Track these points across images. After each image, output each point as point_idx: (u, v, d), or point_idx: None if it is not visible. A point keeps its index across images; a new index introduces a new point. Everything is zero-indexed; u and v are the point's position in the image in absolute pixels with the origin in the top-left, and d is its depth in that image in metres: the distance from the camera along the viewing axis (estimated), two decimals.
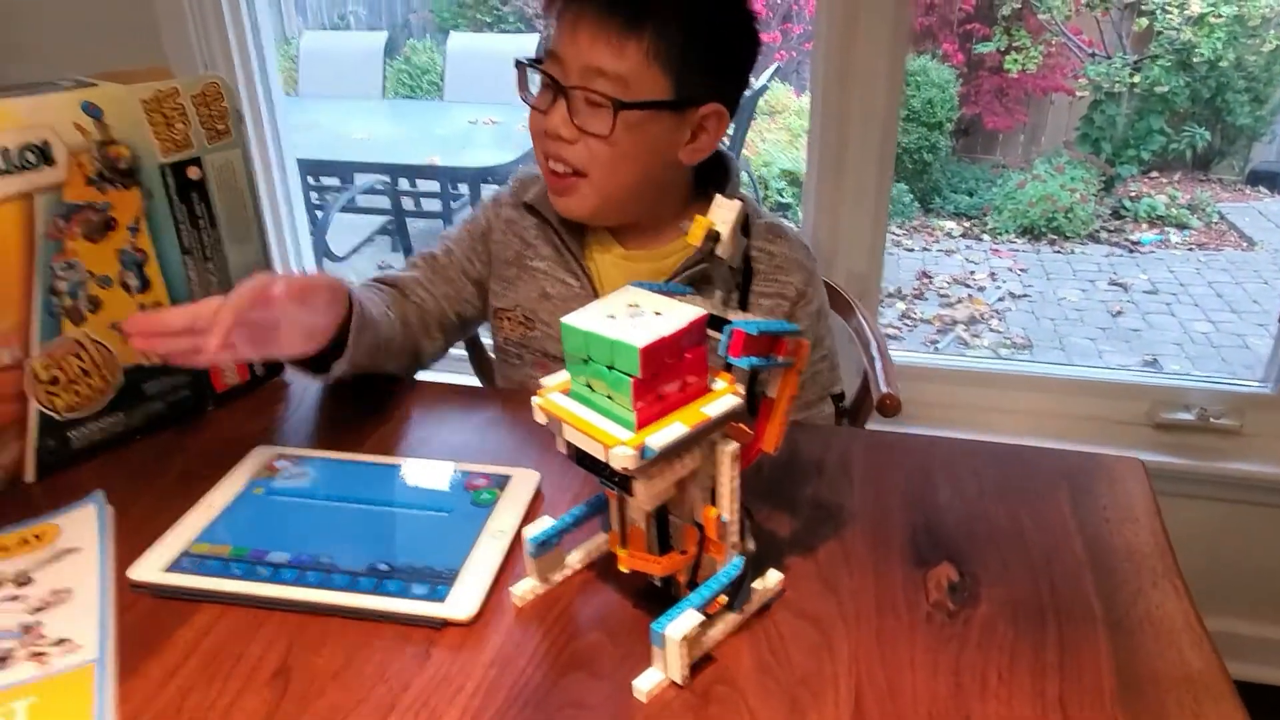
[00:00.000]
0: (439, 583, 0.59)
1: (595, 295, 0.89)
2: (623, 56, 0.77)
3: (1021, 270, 3.75)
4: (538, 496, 0.69)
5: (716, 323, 0.51)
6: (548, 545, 0.59)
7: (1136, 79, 4.07)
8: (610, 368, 0.48)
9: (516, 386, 0.95)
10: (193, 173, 0.75)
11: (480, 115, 3.66)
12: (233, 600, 0.59)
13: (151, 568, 0.61)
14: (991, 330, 3.31)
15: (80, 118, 0.68)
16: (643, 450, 0.47)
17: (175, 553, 0.62)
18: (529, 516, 0.66)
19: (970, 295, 3.55)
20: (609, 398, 0.49)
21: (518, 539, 0.63)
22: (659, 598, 0.58)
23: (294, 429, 0.80)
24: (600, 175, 0.82)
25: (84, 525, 0.66)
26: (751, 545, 0.56)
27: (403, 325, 0.88)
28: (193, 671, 0.54)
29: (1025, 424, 1.45)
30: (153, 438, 0.78)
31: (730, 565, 0.54)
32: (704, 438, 0.50)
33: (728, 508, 0.53)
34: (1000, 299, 3.53)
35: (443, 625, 0.57)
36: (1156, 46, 4.04)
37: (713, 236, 0.52)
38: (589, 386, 0.50)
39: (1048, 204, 4.01)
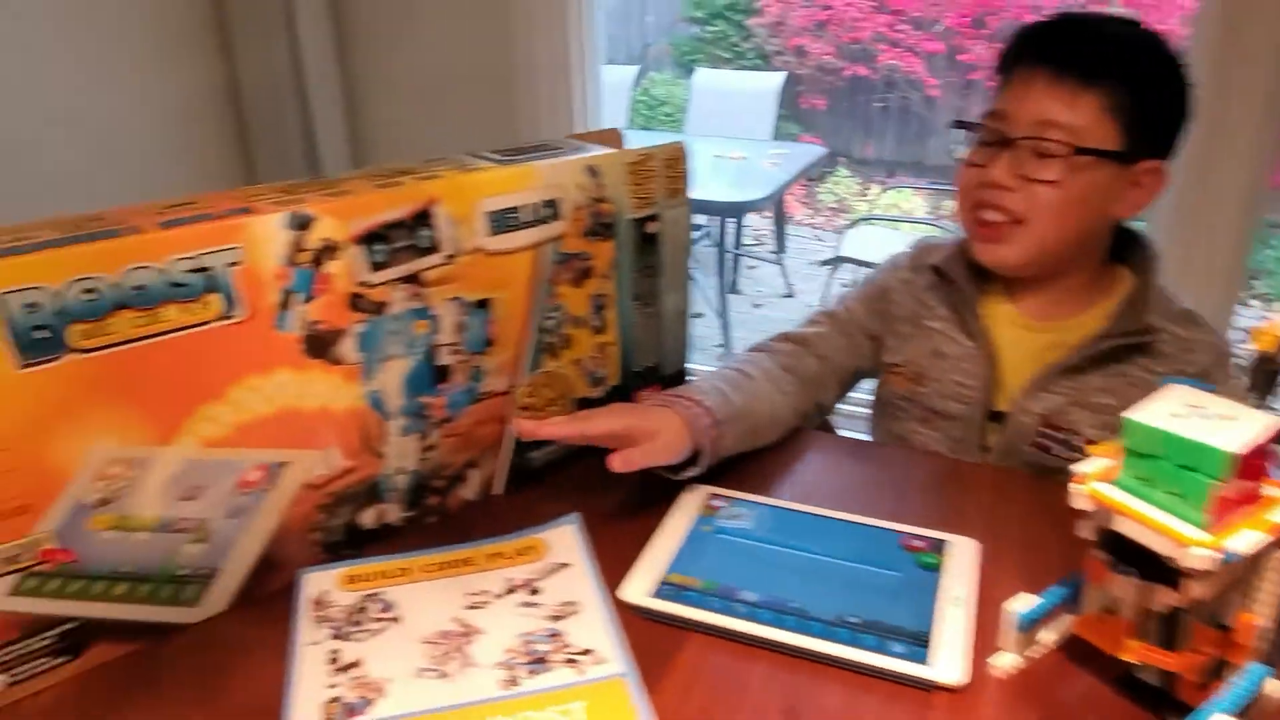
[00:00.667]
0: (914, 643, 0.62)
1: (991, 359, 0.91)
2: (1076, 109, 0.81)
3: None
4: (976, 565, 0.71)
5: None
6: (1034, 622, 0.61)
7: None
8: (1184, 468, 0.49)
9: (894, 439, 0.99)
10: (651, 227, 0.83)
11: (725, 150, 3.75)
12: (719, 633, 0.64)
13: (639, 592, 0.67)
14: None
15: (582, 179, 0.76)
16: (1225, 554, 0.48)
17: (655, 580, 0.69)
18: (978, 587, 0.68)
19: None
20: (1175, 496, 0.50)
21: (976, 610, 0.65)
22: (1145, 691, 0.58)
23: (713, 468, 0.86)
24: (1040, 221, 0.85)
25: (567, 542, 0.73)
26: (1272, 653, 0.56)
27: (800, 383, 0.92)
28: (705, 692, 0.60)
29: None
30: (588, 463, 0.86)
31: (1252, 673, 0.54)
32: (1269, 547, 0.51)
33: (1267, 615, 0.52)
34: None
35: (932, 688, 0.60)
36: None
37: None
38: (1143, 480, 0.51)
39: None
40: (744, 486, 0.80)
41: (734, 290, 3.93)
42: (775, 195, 3.55)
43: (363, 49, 2.04)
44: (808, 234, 4.70)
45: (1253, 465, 0.49)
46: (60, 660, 0.62)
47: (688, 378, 0.92)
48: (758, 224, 4.58)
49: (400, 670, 0.61)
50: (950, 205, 4.50)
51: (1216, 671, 0.55)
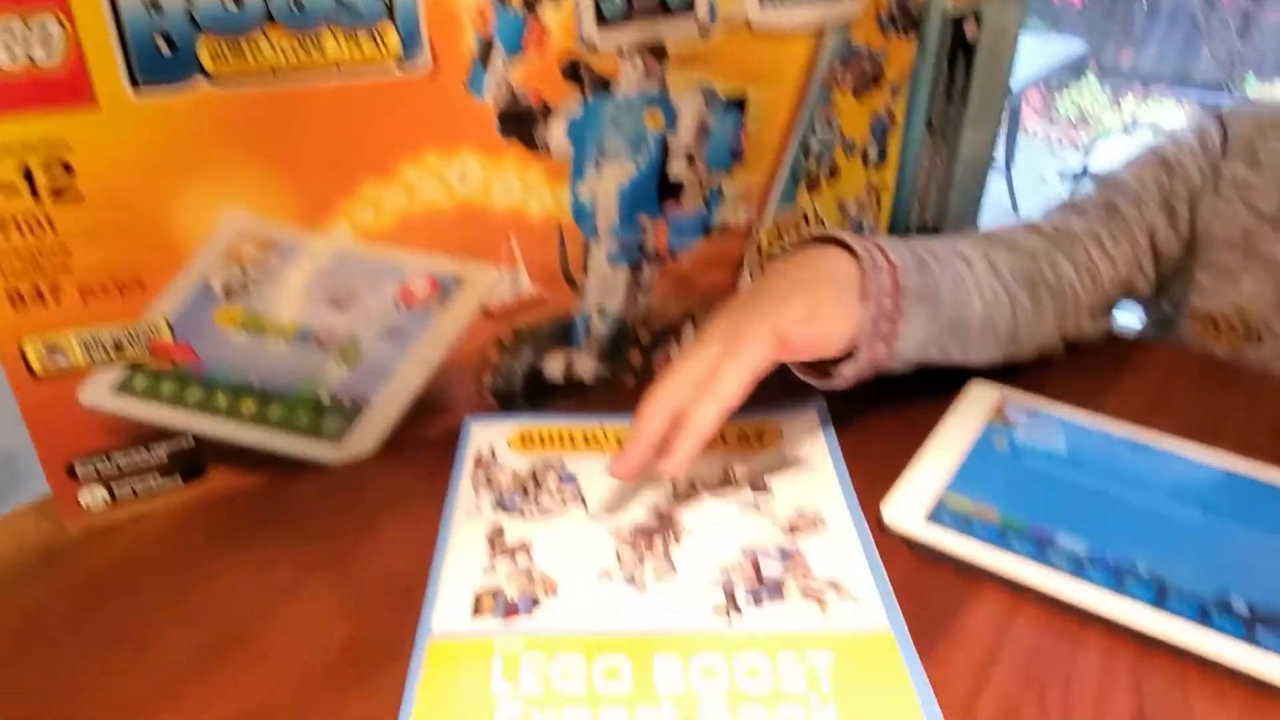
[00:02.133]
0: None
1: None
2: None
3: None
4: None
5: None
6: None
7: None
8: None
9: None
10: (970, 30, 0.60)
11: None
12: (1029, 592, 0.45)
13: (911, 515, 0.48)
14: None
15: None
16: None
17: (930, 501, 0.49)
18: None
19: None
20: None
21: None
22: None
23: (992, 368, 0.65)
24: None
25: (808, 434, 0.55)
26: None
27: (1051, 296, 0.60)
28: (1012, 677, 0.41)
29: None
30: None
31: None
32: None
33: None
34: None
35: None
36: None
37: None
38: None
39: None
40: (1049, 393, 0.59)
41: None
42: (1013, 96, 3.12)
43: None
44: (1041, 146, 4.19)
45: None
46: (169, 482, 0.50)
47: None
48: None
49: (579, 567, 0.45)
50: None
51: None
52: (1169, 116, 4.04)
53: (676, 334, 0.61)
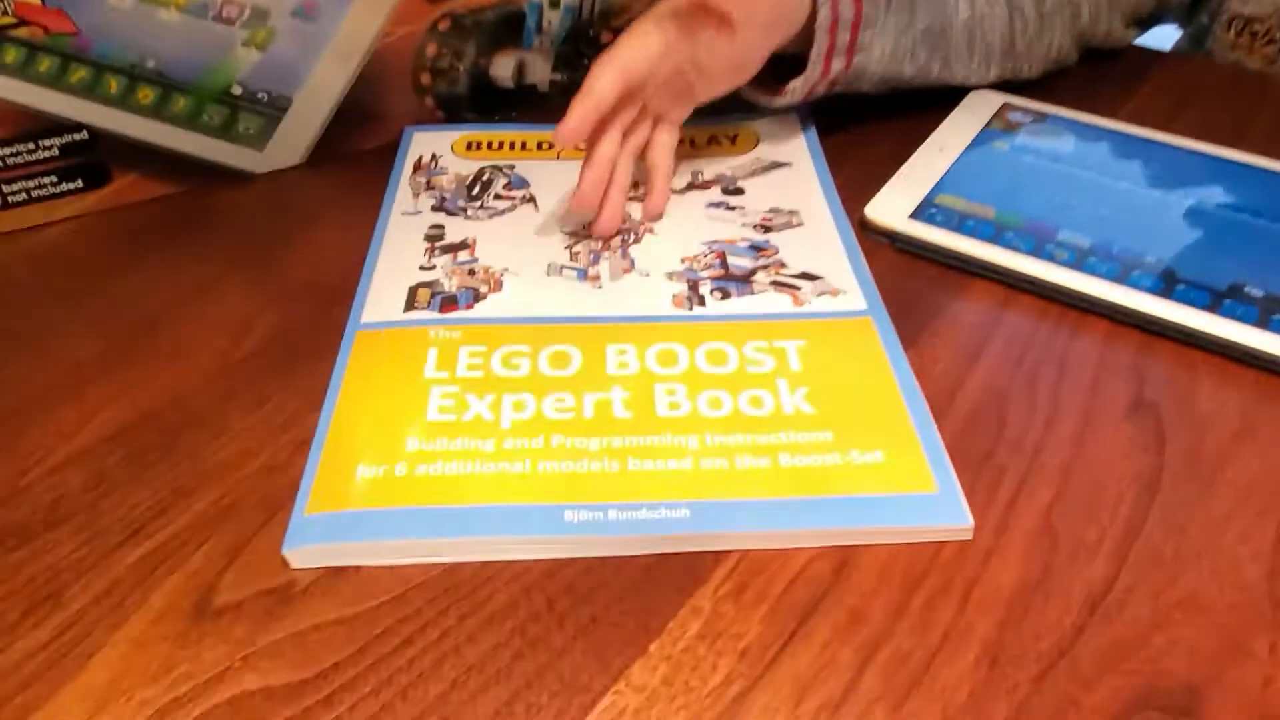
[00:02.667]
0: None
1: None
2: None
3: None
4: None
5: None
6: None
7: None
8: None
9: None
10: None
11: None
12: (1022, 284, 0.40)
13: (895, 211, 0.43)
14: None
15: None
16: None
17: (917, 198, 0.44)
18: None
19: None
20: None
21: None
22: None
23: None
24: None
25: (788, 136, 0.49)
26: None
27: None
28: (999, 363, 0.37)
29: None
30: None
31: None
32: None
33: None
34: None
35: None
36: None
37: None
38: None
39: None
40: (1058, 101, 0.53)
41: None
42: None
43: None
44: None
45: None
46: (70, 186, 0.44)
47: None
48: None
49: (526, 263, 0.41)
50: None
51: None
52: None
53: None
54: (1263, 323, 0.37)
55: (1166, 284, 0.39)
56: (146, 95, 0.43)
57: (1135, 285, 0.39)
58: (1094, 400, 0.35)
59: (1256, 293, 0.39)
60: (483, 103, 0.51)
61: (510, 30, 0.50)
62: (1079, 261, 0.41)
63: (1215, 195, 0.45)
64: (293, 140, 0.47)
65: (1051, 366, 0.37)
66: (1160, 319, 0.38)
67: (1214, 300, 0.38)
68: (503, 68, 0.51)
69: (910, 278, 0.41)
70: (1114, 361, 0.37)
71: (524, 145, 0.49)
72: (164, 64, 0.43)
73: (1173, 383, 0.36)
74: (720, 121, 0.50)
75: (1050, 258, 0.41)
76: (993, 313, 0.40)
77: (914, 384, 0.35)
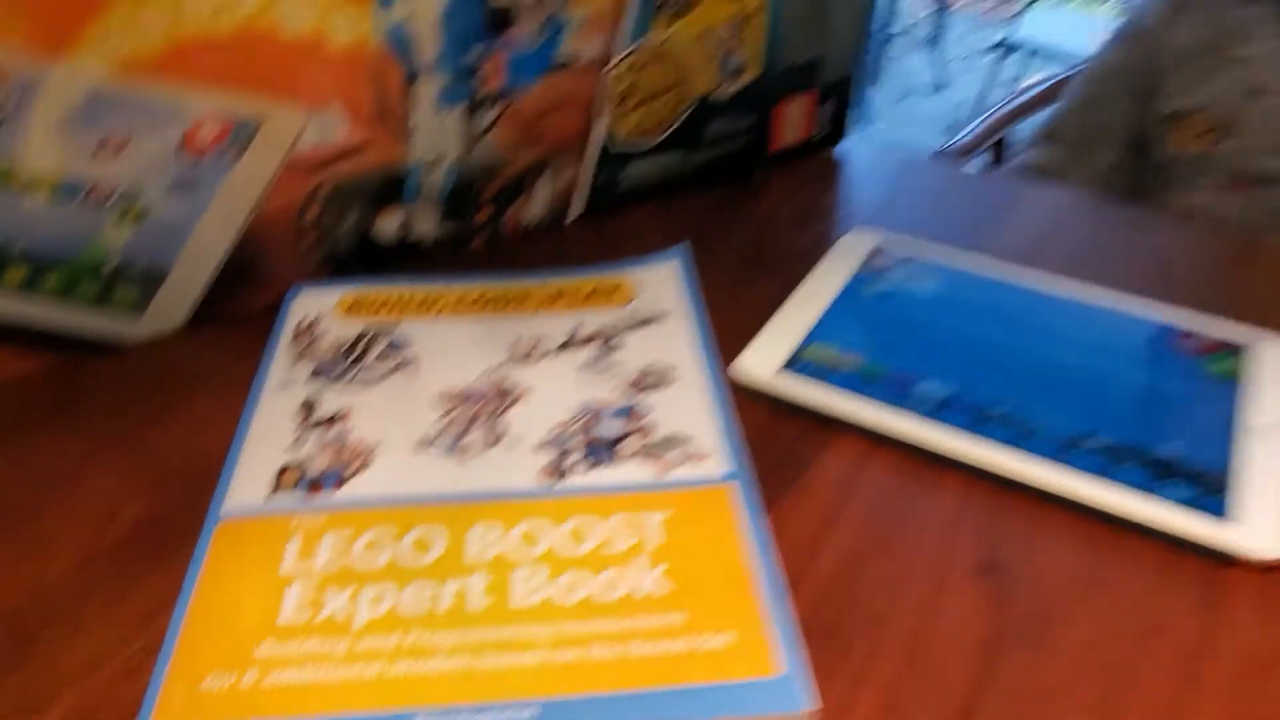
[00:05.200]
0: (1203, 488, 0.38)
1: None
2: None
3: None
4: None
5: None
6: None
7: None
8: None
9: (1187, 216, 0.72)
10: None
11: None
12: (886, 439, 0.42)
13: (765, 366, 0.45)
14: None
15: None
16: None
17: (787, 351, 0.46)
18: None
19: None
20: None
21: None
22: None
23: (874, 215, 0.61)
24: None
25: (666, 288, 0.50)
26: None
27: None
28: (858, 525, 0.38)
29: None
30: (698, 193, 0.62)
31: None
32: None
33: None
34: None
35: (1230, 560, 0.36)
36: None
37: None
38: None
39: None
40: (932, 237, 0.55)
41: (873, 82, 3.48)
42: None
43: None
44: (966, 21, 4.11)
45: None
46: None
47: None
48: (910, 7, 4.01)
49: (397, 437, 0.41)
50: None
51: None
52: None
53: (528, 187, 0.55)
54: (1107, 473, 0.39)
55: (1017, 435, 0.41)
56: (15, 275, 0.43)
57: (989, 436, 0.41)
58: (944, 561, 0.36)
59: (1102, 442, 0.41)
60: (367, 260, 0.52)
61: (393, 189, 0.51)
62: (936, 413, 0.42)
63: (1070, 340, 0.47)
64: (171, 305, 0.48)
65: (906, 525, 0.38)
66: (1010, 471, 0.40)
67: (1061, 451, 0.40)
68: (386, 225, 0.52)
69: (779, 434, 0.42)
70: (967, 517, 0.38)
71: (408, 303, 0.49)
72: (33, 244, 0.43)
73: (1021, 539, 0.37)
74: (600, 272, 0.51)
75: (910, 409, 0.42)
76: (855, 468, 0.41)
77: (771, 554, 0.35)
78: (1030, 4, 3.12)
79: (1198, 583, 0.36)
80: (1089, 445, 0.40)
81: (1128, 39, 0.75)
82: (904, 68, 3.64)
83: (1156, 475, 0.39)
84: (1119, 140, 0.75)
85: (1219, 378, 0.45)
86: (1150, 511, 0.37)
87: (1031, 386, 0.44)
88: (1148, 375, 0.45)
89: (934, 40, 3.57)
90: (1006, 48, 2.76)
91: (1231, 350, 0.46)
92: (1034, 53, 2.67)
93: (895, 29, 3.74)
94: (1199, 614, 0.35)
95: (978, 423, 0.41)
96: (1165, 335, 0.47)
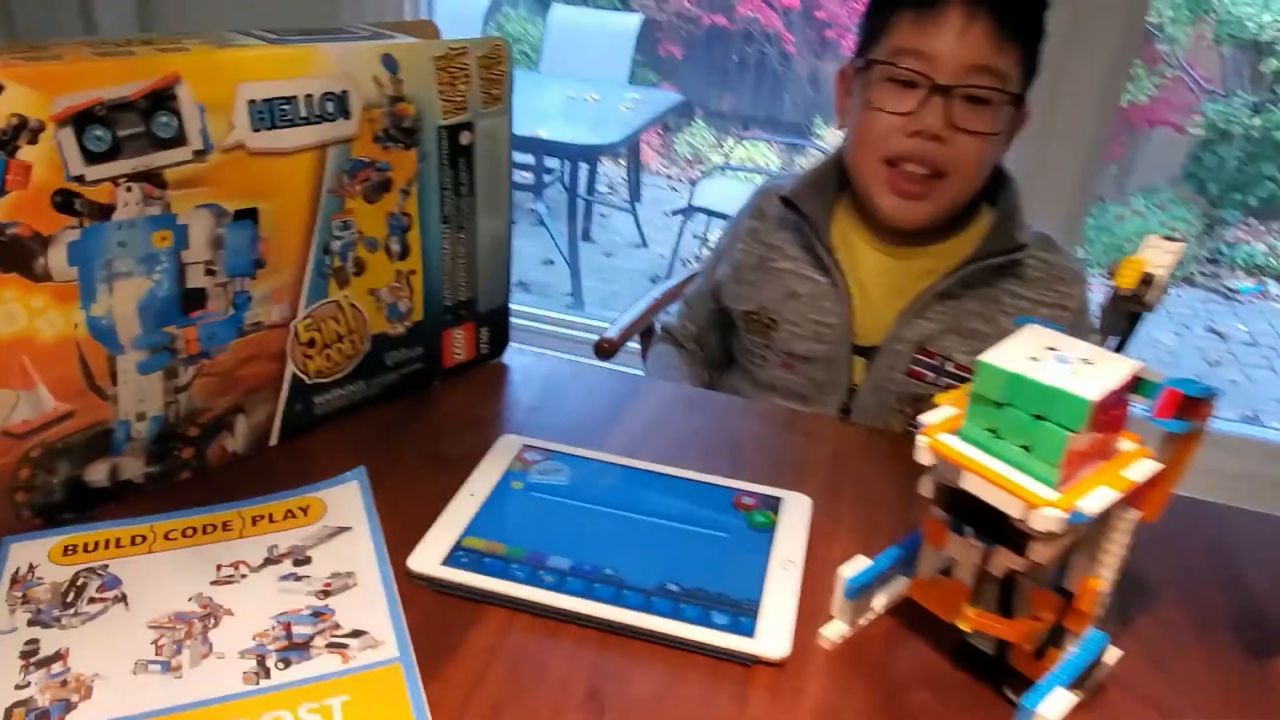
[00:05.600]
0: (741, 614, 0.55)
1: (848, 293, 0.87)
2: (1005, 54, 0.78)
3: None
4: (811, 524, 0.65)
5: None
6: (864, 589, 0.55)
7: (1257, 121, 3.93)
8: (1038, 417, 0.43)
9: (760, 389, 0.95)
10: (465, 137, 0.71)
11: (581, 91, 3.61)
12: (522, 606, 0.55)
13: (431, 560, 0.57)
14: None
15: (379, 70, 0.64)
16: (1074, 515, 0.42)
17: (448, 545, 0.59)
18: (809, 546, 0.62)
19: None
20: (1025, 449, 0.44)
21: (805, 572, 0.59)
22: (981, 661, 0.53)
23: (525, 418, 0.76)
24: (963, 174, 0.81)
25: (349, 502, 0.62)
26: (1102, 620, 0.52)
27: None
28: (499, 681, 0.51)
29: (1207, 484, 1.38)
30: (383, 409, 0.74)
31: (1091, 640, 0.50)
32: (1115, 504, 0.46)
33: (1110, 579, 0.48)
34: None
35: (753, 663, 0.53)
36: None
37: (1145, 280, 0.47)
38: (992, 432, 0.45)
39: None
40: (566, 438, 0.71)
41: (586, 238, 3.83)
42: (629, 140, 3.46)
43: None
44: (663, 184, 4.64)
45: (1110, 416, 0.44)
46: None
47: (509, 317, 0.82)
48: (612, 172, 4.48)
49: (115, 665, 0.49)
50: (803, 161, 4.54)
51: (1054, 639, 0.51)
52: (761, 157, 4.65)
53: (228, 426, 0.65)
54: (675, 613, 0.55)
55: (615, 592, 0.56)
56: None
57: (595, 597, 0.56)
58: (562, 696, 0.50)
59: (675, 588, 0.57)
60: (80, 504, 0.60)
61: (102, 443, 0.59)
62: (559, 583, 0.56)
63: (662, 509, 0.64)
64: None
65: (535, 673, 0.51)
66: (609, 620, 0.54)
67: (645, 600, 0.56)
68: (97, 472, 0.60)
69: (443, 614, 0.55)
70: (579, 660, 0.52)
71: (119, 542, 0.57)
72: None
73: (616, 670, 0.52)
74: (295, 494, 0.62)
75: (539, 583, 0.56)
76: (500, 635, 0.54)
77: (426, 716, 0.47)
78: (707, 174, 3.61)
79: (734, 680, 0.52)
80: (665, 592, 0.56)
81: (717, 253, 1.00)
82: (611, 225, 4.04)
83: (708, 609, 0.55)
84: (724, 326, 0.98)
85: (760, 527, 0.63)
86: (703, 637, 0.53)
87: (630, 550, 0.60)
88: (712, 531, 0.62)
89: (633, 202, 4.00)
90: (690, 210, 3.18)
91: (771, 504, 0.65)
92: (710, 215, 3.11)
93: (599, 193, 4.15)
94: (735, 702, 0.51)
95: (589, 586, 0.56)
96: (728, 498, 0.66)
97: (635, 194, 4.07)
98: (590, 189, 3.91)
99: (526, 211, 3.72)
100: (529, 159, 3.61)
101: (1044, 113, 1.22)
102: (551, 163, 3.63)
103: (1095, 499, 0.43)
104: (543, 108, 3.43)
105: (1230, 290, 3.86)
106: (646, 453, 0.71)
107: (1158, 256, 0.46)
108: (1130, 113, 4.22)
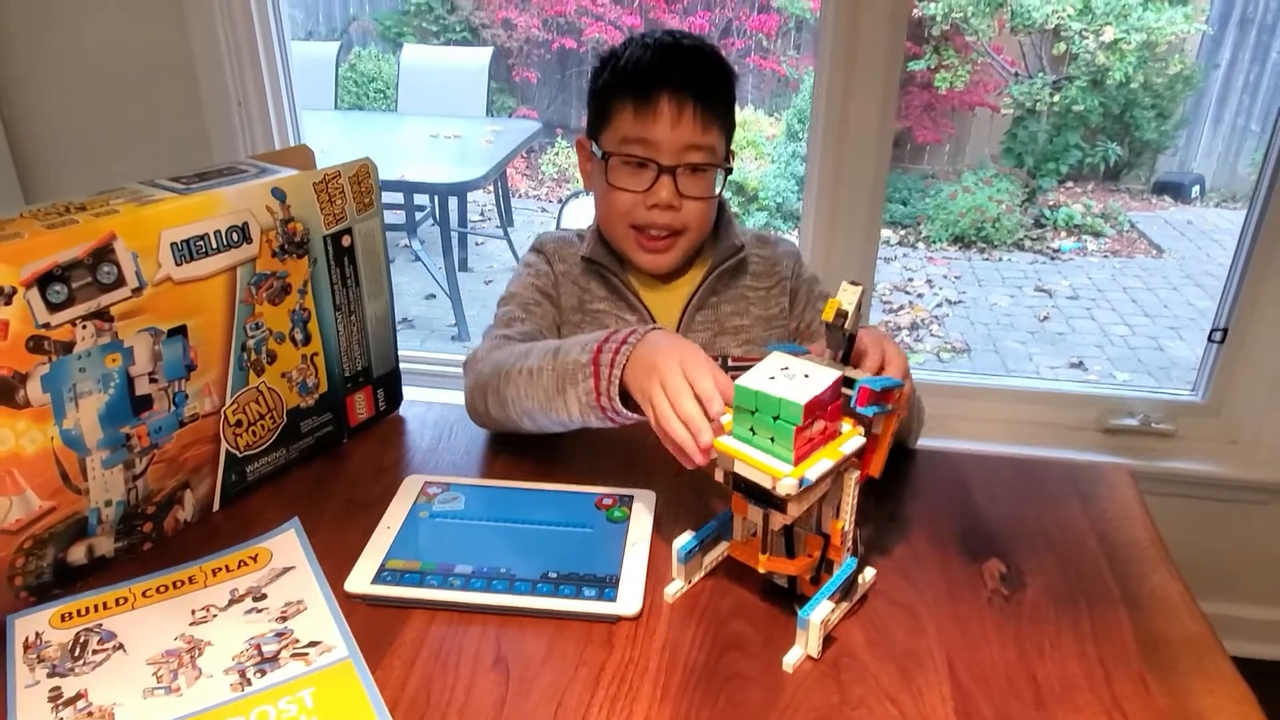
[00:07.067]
0: (605, 586, 0.74)
1: (651, 322, 1.06)
2: (710, 132, 0.98)
3: (956, 277, 4.03)
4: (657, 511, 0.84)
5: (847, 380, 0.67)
6: (692, 554, 0.74)
7: (1056, 98, 4.38)
8: (775, 418, 0.63)
9: None
10: (346, 240, 0.88)
11: (441, 129, 3.75)
12: (438, 606, 0.73)
13: (362, 581, 0.74)
14: (932, 335, 3.56)
15: (271, 201, 0.80)
16: (801, 481, 0.62)
17: (376, 568, 0.75)
18: (656, 529, 0.81)
19: (911, 302, 3.80)
20: (771, 440, 0.64)
21: (653, 548, 0.78)
22: (781, 592, 0.73)
23: (424, 458, 0.93)
24: (696, 228, 1.02)
25: (290, 547, 0.78)
26: (861, 549, 0.73)
27: None
28: (427, 662, 0.68)
29: (994, 431, 1.65)
30: (305, 468, 0.90)
31: (846, 565, 0.70)
32: (839, 469, 0.66)
33: (849, 520, 0.69)
34: (938, 305, 3.79)
35: (616, 620, 0.72)
36: (1074, 69, 4.37)
37: (842, 315, 0.67)
38: (751, 431, 0.65)
39: (977, 214, 4.31)
40: (459, 471, 0.88)
41: (464, 268, 3.96)
42: (494, 173, 3.61)
43: (9, 25, 1.79)
44: (533, 206, 4.81)
45: (829, 410, 0.65)
46: None
47: (400, 377, 0.98)
48: (482, 199, 4.61)
49: (128, 694, 0.64)
50: None
51: (826, 568, 0.71)
52: None
53: (179, 500, 0.80)
54: (556, 592, 0.73)
55: (508, 584, 0.74)
56: None
57: (494, 590, 0.73)
58: (475, 666, 0.67)
59: (554, 574, 0.75)
60: (64, 581, 0.74)
61: (79, 529, 0.73)
62: (465, 584, 0.74)
63: (542, 517, 0.82)
64: None
65: (454, 653, 0.69)
66: (507, 606, 0.72)
67: (533, 586, 0.74)
68: (77, 553, 0.74)
69: (376, 622, 0.71)
70: (487, 638, 0.70)
71: (106, 605, 0.72)
72: None
73: (515, 641, 0.70)
74: (243, 547, 0.78)
75: (450, 586, 0.74)
76: (423, 630, 0.71)
77: (380, 700, 0.64)
78: (575, 194, 3.80)
79: (603, 634, 0.70)
80: (546, 579, 0.74)
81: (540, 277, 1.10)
82: (487, 252, 4.18)
83: (580, 586, 0.74)
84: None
85: (617, 520, 0.82)
86: (577, 607, 0.72)
87: (517, 552, 0.77)
88: (580, 528, 0.81)
89: (505, 228, 4.16)
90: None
91: (625, 501, 0.84)
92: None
93: (472, 223, 4.28)
94: (604, 649, 0.69)
95: (488, 583, 0.74)
96: (591, 501, 0.84)
97: (507, 219, 4.23)
98: (462, 220, 4.04)
99: (402, 249, 3.83)
100: (399, 198, 3.74)
101: (837, 134, 1.45)
102: (421, 199, 3.75)
103: (817, 468, 0.63)
104: (405, 148, 3.56)
105: (1055, 251, 4.29)
106: (524, 473, 0.89)
107: (847, 297, 0.67)
108: (951, 97, 4.63)
